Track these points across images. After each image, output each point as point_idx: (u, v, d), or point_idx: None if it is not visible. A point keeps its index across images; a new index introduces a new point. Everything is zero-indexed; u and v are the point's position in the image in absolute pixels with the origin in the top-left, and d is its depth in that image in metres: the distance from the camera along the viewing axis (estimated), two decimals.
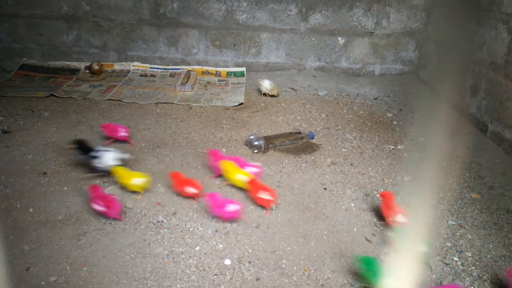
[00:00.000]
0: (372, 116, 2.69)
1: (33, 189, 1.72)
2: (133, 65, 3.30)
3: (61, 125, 2.30)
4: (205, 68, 3.36)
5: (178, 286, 1.30)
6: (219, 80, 3.22)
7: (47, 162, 1.93)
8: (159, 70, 3.30)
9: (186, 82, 2.96)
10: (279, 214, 1.66)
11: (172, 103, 2.73)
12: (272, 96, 2.92)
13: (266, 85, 2.88)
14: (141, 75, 3.21)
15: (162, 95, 2.83)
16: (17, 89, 2.77)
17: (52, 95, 2.70)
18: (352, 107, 2.81)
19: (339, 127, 2.49)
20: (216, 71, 3.34)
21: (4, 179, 1.77)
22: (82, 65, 3.25)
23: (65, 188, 1.74)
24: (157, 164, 1.97)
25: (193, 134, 2.30)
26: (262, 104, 2.80)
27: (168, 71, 3.30)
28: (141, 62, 3.37)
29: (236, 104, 2.76)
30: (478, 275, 1.40)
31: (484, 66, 2.51)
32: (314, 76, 3.42)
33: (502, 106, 2.31)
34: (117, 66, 3.29)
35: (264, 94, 2.92)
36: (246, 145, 2.19)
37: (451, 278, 1.38)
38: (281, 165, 2.02)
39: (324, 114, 2.67)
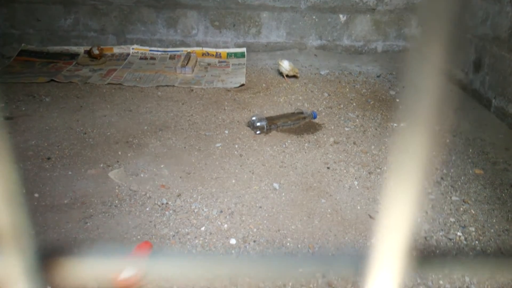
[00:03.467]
0: (374, 94, 2.67)
1: (37, 175, 1.73)
2: (133, 48, 3.27)
3: (63, 110, 2.30)
4: (205, 49, 3.33)
5: None
6: (219, 62, 3.20)
7: (50, 147, 1.93)
8: (159, 53, 3.27)
9: (187, 64, 2.94)
10: (283, 194, 1.67)
11: (173, 85, 2.71)
12: (293, 76, 2.88)
13: (285, 65, 2.83)
14: (141, 58, 3.18)
15: (162, 78, 2.81)
16: (17, 75, 2.76)
17: (52, 80, 2.69)
18: (354, 86, 2.79)
19: (342, 106, 2.48)
20: (216, 53, 3.31)
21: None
22: (81, 49, 3.23)
23: (70, 173, 1.75)
24: (160, 147, 1.97)
25: (195, 117, 2.29)
26: (264, 85, 2.78)
27: (168, 54, 3.27)
28: (140, 45, 3.34)
29: (237, 85, 2.74)
30: (482, 249, 1.41)
31: (487, 41, 2.48)
32: (315, 55, 3.39)
33: (506, 81, 2.29)
34: (117, 50, 3.27)
35: (283, 75, 2.87)
36: (248, 126, 2.18)
37: (454, 253, 1.39)
38: (284, 146, 2.02)
39: (326, 93, 2.66)
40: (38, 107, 2.33)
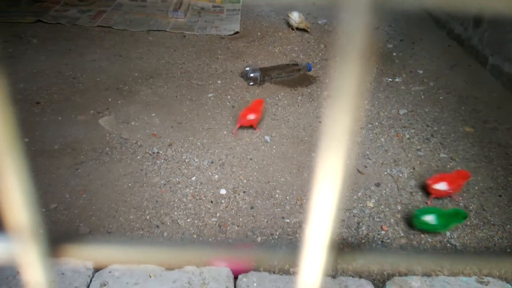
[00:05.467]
0: (372, 46, 2.62)
1: (27, 119, 1.71)
2: None
3: (51, 53, 2.23)
4: None
5: (175, 213, 1.35)
6: (213, 6, 3.08)
7: (39, 91, 1.89)
8: None
9: (179, 8, 2.82)
10: (274, 147, 1.68)
11: (165, 30, 2.62)
12: (302, 30, 2.74)
13: (295, 17, 2.67)
14: (131, 0, 3.05)
15: (154, 22, 2.71)
16: (3, 14, 2.64)
17: (39, 20, 2.59)
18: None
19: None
20: None
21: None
22: None
23: (60, 118, 1.73)
24: (151, 95, 1.94)
25: (187, 65, 2.24)
26: (259, 33, 2.70)
27: None
28: None
29: (232, 33, 2.66)
30: (464, 205, 1.45)
31: None
32: (313, 3, 3.27)
33: (505, 38, 2.25)
34: None
35: (293, 28, 2.73)
36: (241, 76, 2.15)
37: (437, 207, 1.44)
38: (276, 98, 2.00)
39: (323, 45, 2.60)
40: (26, 49, 2.25)
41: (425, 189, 1.47)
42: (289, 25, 2.76)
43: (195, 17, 2.87)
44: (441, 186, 1.42)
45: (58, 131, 1.66)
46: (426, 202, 1.45)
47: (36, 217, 0.22)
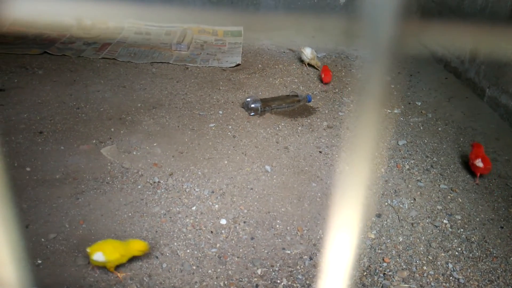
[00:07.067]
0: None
1: (29, 148, 1.73)
2: (127, 22, 3.21)
3: (56, 84, 2.28)
4: (202, 26, 3.28)
5: (175, 243, 1.34)
6: (215, 40, 3.16)
7: (42, 121, 1.92)
8: (154, 28, 3.22)
9: (182, 41, 2.90)
10: (274, 177, 1.68)
11: (168, 62, 2.68)
12: (312, 66, 2.73)
13: (307, 53, 2.68)
14: (135, 33, 3.13)
15: (157, 54, 2.78)
16: (9, 45, 2.71)
17: (45, 52, 2.65)
18: (350, 70, 2.78)
19: (337, 90, 2.47)
20: (213, 30, 3.26)
21: (0, 138, 1.77)
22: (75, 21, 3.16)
23: (62, 148, 1.75)
24: (153, 125, 1.97)
25: (189, 96, 2.28)
26: (260, 66, 2.76)
27: (163, 29, 3.22)
28: (135, 19, 3.27)
29: (233, 65, 2.72)
30: (466, 237, 1.44)
31: (485, 29, 2.47)
32: (313, 36, 3.36)
33: (501, 71, 2.29)
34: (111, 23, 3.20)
35: (305, 63, 2.74)
36: (242, 107, 2.18)
37: (439, 239, 1.43)
38: (277, 128, 2.03)
39: None
40: (31, 80, 2.30)
41: (477, 169, 1.67)
42: (301, 61, 2.78)
43: (198, 50, 2.94)
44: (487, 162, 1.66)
45: (60, 160, 1.67)
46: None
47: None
